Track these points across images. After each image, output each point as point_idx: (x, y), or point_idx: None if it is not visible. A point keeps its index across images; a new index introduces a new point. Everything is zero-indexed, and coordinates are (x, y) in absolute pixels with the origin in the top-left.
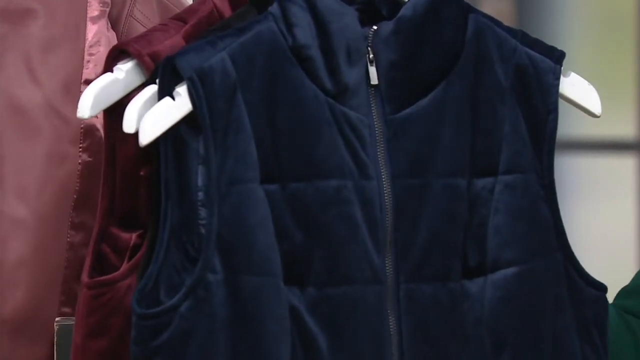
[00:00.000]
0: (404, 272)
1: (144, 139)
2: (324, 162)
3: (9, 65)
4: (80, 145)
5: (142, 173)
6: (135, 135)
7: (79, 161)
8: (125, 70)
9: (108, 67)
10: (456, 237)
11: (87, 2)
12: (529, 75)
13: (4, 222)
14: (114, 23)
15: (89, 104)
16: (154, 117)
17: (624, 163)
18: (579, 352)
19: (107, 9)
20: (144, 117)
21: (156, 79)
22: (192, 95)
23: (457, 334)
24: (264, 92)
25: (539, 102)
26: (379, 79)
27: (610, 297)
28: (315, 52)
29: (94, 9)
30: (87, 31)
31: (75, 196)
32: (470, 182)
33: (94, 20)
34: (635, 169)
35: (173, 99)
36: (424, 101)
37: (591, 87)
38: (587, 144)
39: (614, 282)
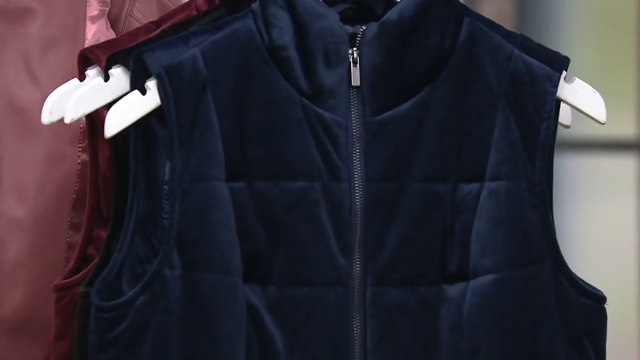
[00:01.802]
0: (372, 275)
1: (109, 131)
2: (291, 163)
3: (7, 64)
4: (80, 145)
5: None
6: (109, 138)
7: (78, 161)
8: (91, 76)
9: (80, 73)
10: (432, 242)
11: (86, 2)
12: (524, 82)
13: (2, 222)
14: (114, 22)
15: (48, 110)
16: (120, 109)
17: (624, 163)
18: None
19: (107, 9)
20: (110, 109)
21: (108, 71)
22: (160, 91)
23: (428, 339)
24: (235, 91)
25: (532, 110)
26: (361, 80)
27: (610, 296)
28: (292, 53)
29: (93, 9)
30: (87, 31)
31: (74, 196)
32: (456, 187)
33: (94, 19)
34: (636, 168)
35: (143, 92)
36: (406, 105)
37: (597, 94)
38: (587, 143)
39: (614, 282)
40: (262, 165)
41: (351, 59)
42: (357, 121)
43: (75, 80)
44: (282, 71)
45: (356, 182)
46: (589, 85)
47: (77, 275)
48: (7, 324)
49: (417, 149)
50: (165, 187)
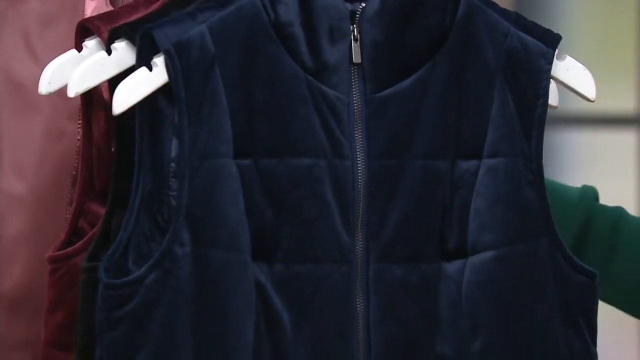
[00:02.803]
0: (374, 252)
1: (117, 108)
2: (297, 140)
3: (7, 40)
4: (79, 122)
5: (113, 149)
6: (106, 110)
7: (78, 137)
8: (89, 47)
9: (77, 44)
10: (432, 219)
11: None
12: (520, 59)
13: (1, 199)
14: None
15: (46, 81)
16: (128, 87)
17: (624, 138)
18: (562, 337)
19: None
20: (118, 86)
21: (110, 46)
22: (169, 68)
23: (429, 316)
24: (242, 68)
25: (528, 87)
26: (362, 57)
27: None
28: (297, 30)
29: None
30: (86, 7)
31: (73, 172)
32: (454, 164)
33: None
34: (636, 143)
35: (150, 69)
36: (406, 82)
37: (587, 71)
38: (587, 118)
39: None
40: (269, 143)
41: (352, 36)
42: (358, 98)
43: (74, 51)
44: (288, 48)
45: (358, 159)
46: (579, 63)
47: (74, 247)
48: (7, 300)
49: (418, 126)
50: (172, 164)
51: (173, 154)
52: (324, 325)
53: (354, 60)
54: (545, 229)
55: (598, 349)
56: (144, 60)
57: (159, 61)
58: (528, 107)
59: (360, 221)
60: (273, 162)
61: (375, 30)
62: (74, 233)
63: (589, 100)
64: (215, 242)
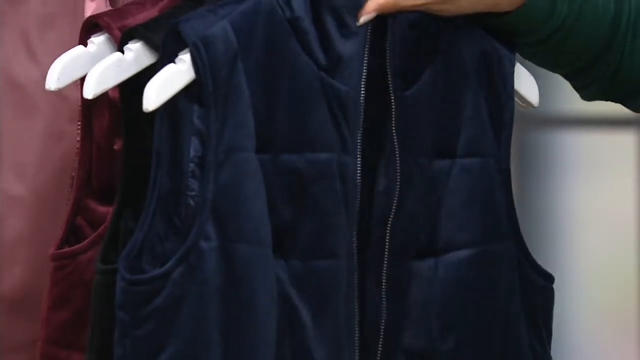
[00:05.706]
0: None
1: (150, 106)
2: (315, 136)
3: (6, 42)
4: (79, 123)
5: (116, 147)
6: (110, 108)
7: (78, 139)
8: (97, 43)
9: (82, 40)
10: (414, 217)
11: None
12: (492, 61)
13: (1, 200)
14: (113, 0)
15: (55, 76)
16: (158, 84)
17: (623, 139)
18: (526, 339)
19: None
20: (148, 83)
21: (124, 46)
22: (196, 62)
23: (402, 315)
24: (262, 62)
25: (500, 88)
26: (388, 52)
27: (609, 275)
28: (308, 24)
29: None
30: (86, 8)
31: (73, 174)
32: (431, 162)
33: None
34: (636, 145)
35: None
36: (424, 77)
37: (531, 77)
38: (587, 120)
39: (614, 259)
40: (288, 138)
41: (368, 30)
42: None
43: (82, 47)
44: (302, 43)
45: (358, 154)
46: (525, 70)
47: (80, 245)
48: (7, 302)
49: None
50: (191, 164)
51: (192, 154)
52: (340, 320)
53: (366, 54)
54: (513, 233)
55: (598, 349)
56: (168, 56)
57: (185, 57)
58: (499, 109)
59: (355, 217)
60: (292, 158)
61: (404, 27)
62: (72, 231)
63: (532, 106)
64: (241, 236)
